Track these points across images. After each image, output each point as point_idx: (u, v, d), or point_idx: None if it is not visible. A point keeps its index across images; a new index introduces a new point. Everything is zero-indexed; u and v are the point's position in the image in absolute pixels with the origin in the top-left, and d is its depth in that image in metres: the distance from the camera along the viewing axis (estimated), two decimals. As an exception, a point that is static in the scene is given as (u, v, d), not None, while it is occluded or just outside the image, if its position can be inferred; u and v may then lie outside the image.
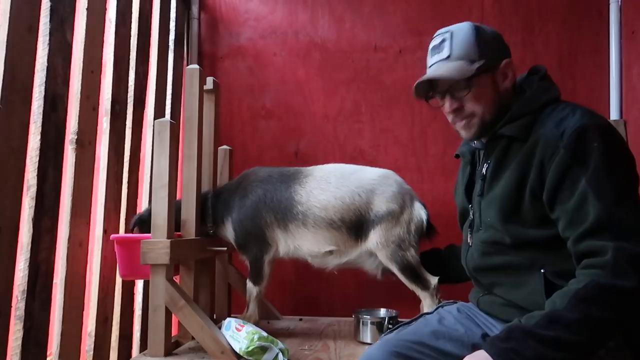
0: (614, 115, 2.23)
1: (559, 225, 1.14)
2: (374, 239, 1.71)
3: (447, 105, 1.31)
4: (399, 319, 1.72)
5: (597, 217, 1.05)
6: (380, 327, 1.72)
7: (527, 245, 1.21)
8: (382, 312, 1.91)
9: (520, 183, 1.20)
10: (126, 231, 1.88)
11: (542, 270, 1.17)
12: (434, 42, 1.33)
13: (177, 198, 1.74)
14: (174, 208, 1.63)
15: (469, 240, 1.40)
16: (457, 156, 1.54)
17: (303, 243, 1.77)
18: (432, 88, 1.35)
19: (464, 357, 1.08)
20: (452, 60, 1.27)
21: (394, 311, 1.88)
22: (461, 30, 1.28)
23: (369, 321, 1.75)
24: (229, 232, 1.84)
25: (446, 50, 1.28)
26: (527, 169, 1.18)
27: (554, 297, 1.07)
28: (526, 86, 1.33)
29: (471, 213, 1.39)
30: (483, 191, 1.32)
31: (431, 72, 1.30)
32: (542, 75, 1.31)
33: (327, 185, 1.76)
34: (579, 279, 1.06)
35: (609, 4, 2.27)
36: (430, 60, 1.33)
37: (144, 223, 1.75)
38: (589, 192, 1.07)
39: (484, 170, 1.33)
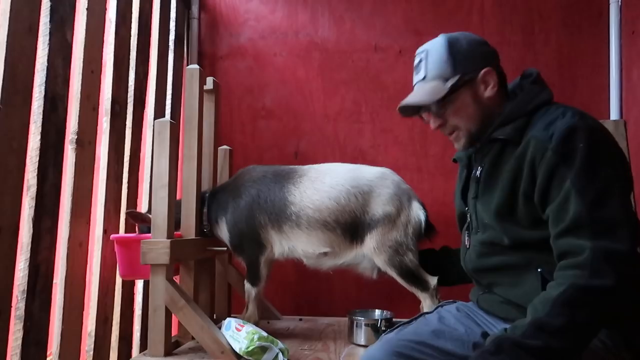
0: (614, 115, 2.24)
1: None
2: (370, 243, 1.68)
3: (431, 122, 1.37)
4: (397, 320, 1.72)
5: (577, 215, 1.06)
6: (374, 328, 1.70)
7: (524, 246, 1.22)
8: (377, 313, 1.91)
9: (513, 186, 1.21)
10: (126, 231, 1.88)
11: (539, 269, 1.17)
12: (415, 62, 1.38)
13: (177, 198, 1.74)
14: (174, 208, 1.63)
15: (466, 242, 1.41)
16: (455, 160, 1.55)
17: (297, 244, 1.75)
18: (418, 107, 1.39)
19: (465, 356, 1.08)
20: (427, 81, 1.32)
21: (389, 312, 1.87)
22: (435, 47, 1.32)
23: (363, 323, 1.73)
24: (223, 232, 1.83)
25: (422, 71, 1.34)
26: (520, 172, 1.19)
27: (535, 302, 1.08)
28: (518, 90, 1.33)
29: (468, 215, 1.41)
30: (478, 194, 1.33)
31: (408, 97, 1.35)
32: (534, 79, 1.32)
33: (322, 185, 1.73)
34: (557, 281, 1.06)
35: (609, 4, 2.27)
36: (414, 80, 1.38)
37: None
38: (572, 191, 1.07)
39: (477, 173, 1.34)
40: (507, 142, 1.25)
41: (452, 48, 1.30)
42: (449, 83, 1.28)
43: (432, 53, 1.32)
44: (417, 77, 1.36)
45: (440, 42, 1.32)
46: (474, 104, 1.31)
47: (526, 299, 1.15)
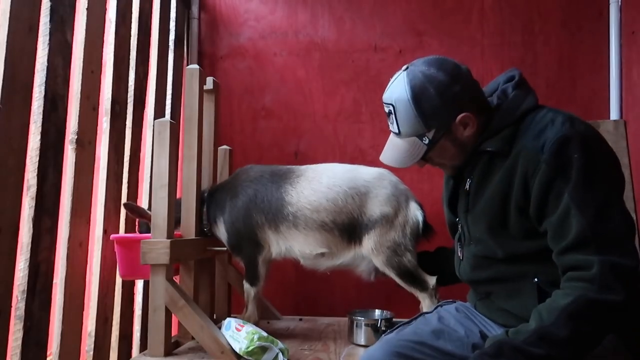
0: (614, 115, 2.23)
1: (547, 237, 1.13)
2: (369, 244, 1.67)
3: (417, 165, 1.36)
4: (396, 320, 1.71)
5: (580, 231, 1.04)
6: (374, 328, 1.70)
7: (519, 257, 1.21)
8: (377, 313, 1.90)
9: (504, 198, 1.19)
10: (126, 231, 1.88)
11: (535, 280, 1.17)
12: (385, 109, 1.32)
13: (177, 198, 1.74)
14: (174, 208, 1.63)
15: (459, 254, 1.41)
16: None
17: (294, 244, 1.74)
18: None
19: (465, 356, 1.08)
20: (403, 137, 1.30)
21: (389, 312, 1.87)
22: (401, 102, 1.25)
23: (363, 323, 1.73)
24: (221, 232, 1.83)
25: (395, 126, 1.30)
26: (511, 184, 1.17)
27: (540, 309, 1.07)
28: (502, 96, 1.29)
29: (459, 227, 1.39)
30: (468, 207, 1.31)
31: (389, 156, 1.35)
32: (517, 82, 1.28)
33: (319, 185, 1.72)
34: (565, 291, 1.05)
35: (609, 4, 2.27)
36: (388, 125, 1.34)
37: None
38: (571, 205, 1.06)
39: (467, 186, 1.31)
40: (495, 153, 1.23)
41: (420, 105, 1.23)
42: (426, 140, 1.27)
43: (400, 110, 1.26)
44: (391, 127, 1.32)
45: (406, 98, 1.23)
46: (455, 146, 1.29)
47: (524, 310, 1.15)
